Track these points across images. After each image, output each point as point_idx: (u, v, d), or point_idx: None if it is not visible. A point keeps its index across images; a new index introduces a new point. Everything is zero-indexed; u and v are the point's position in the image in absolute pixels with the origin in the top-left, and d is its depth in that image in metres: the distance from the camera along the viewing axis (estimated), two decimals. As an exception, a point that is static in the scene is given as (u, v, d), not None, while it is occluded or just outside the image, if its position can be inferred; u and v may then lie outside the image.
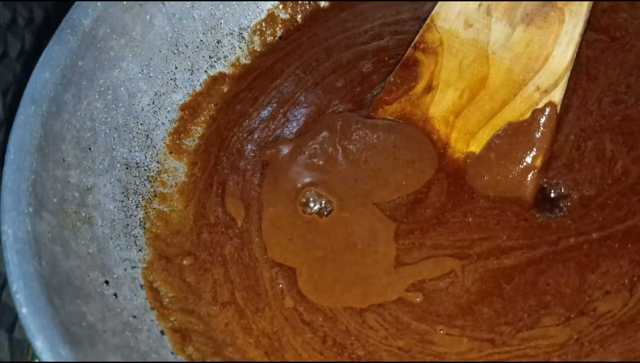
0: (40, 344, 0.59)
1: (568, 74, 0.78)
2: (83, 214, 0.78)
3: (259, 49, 1.03)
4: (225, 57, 1.01)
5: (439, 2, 0.85)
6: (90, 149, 0.84)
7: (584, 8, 0.76)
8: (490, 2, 0.81)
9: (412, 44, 0.86)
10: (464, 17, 0.83)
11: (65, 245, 0.73)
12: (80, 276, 0.72)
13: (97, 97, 0.86)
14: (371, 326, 0.73)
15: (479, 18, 0.82)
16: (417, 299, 0.74)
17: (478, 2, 0.82)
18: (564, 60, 0.77)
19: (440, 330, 0.72)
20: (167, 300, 0.78)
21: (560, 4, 0.77)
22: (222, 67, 1.00)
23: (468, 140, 0.82)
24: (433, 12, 0.85)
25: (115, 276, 0.76)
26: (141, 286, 0.78)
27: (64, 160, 0.79)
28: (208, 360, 0.73)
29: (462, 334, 0.71)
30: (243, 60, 1.01)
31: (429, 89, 0.85)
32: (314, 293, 0.76)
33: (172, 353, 0.72)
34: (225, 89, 0.99)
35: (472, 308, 0.72)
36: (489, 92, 0.81)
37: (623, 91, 0.81)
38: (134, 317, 0.74)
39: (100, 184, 0.83)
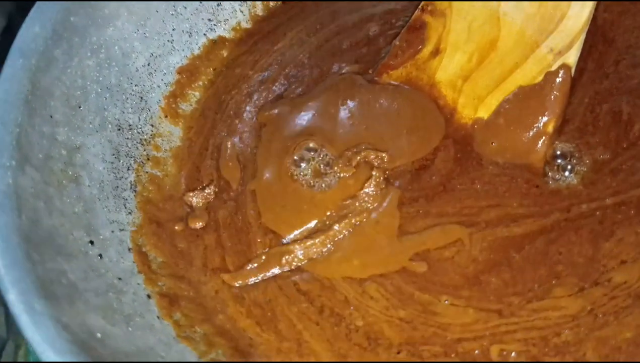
0: (13, 297, 0.54)
1: (583, 35, 0.72)
2: (70, 173, 0.73)
3: (261, 13, 0.97)
4: (225, 20, 0.95)
5: (448, -37, 0.79)
6: (80, 107, 0.78)
7: (601, -34, 0.70)
8: (502, -39, 0.75)
9: (420, 6, 0.80)
10: (475, -23, 0.77)
11: (48, 202, 0.68)
12: (64, 234, 0.66)
13: (89, 54, 0.81)
14: (372, 296, 0.68)
15: (491, -22, 0.76)
16: (421, 269, 0.69)
17: (488, -38, 0.76)
18: (580, 20, 0.71)
19: (444, 301, 0.66)
20: (156, 264, 0.73)
21: (576, -39, 0.71)
22: (222, 31, 0.94)
23: (476, 106, 0.76)
24: (441, -27, 0.79)
25: (101, 237, 0.71)
26: (129, 249, 0.73)
27: (51, 117, 0.74)
28: (196, 327, 0.67)
29: (467, 305, 0.65)
30: (244, 25, 0.96)
31: (436, 52, 0.79)
32: (310, 264, 0.71)
33: (158, 317, 0.67)
34: (225, 53, 0.94)
35: (479, 278, 0.67)
36: (499, 55, 0.76)
37: (642, 54, 0.75)
38: (119, 279, 0.68)
39: (89, 144, 0.77)
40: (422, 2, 0.80)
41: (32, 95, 0.72)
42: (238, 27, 0.95)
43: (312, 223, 0.73)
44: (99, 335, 0.58)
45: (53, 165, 0.72)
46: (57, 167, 0.72)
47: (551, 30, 0.73)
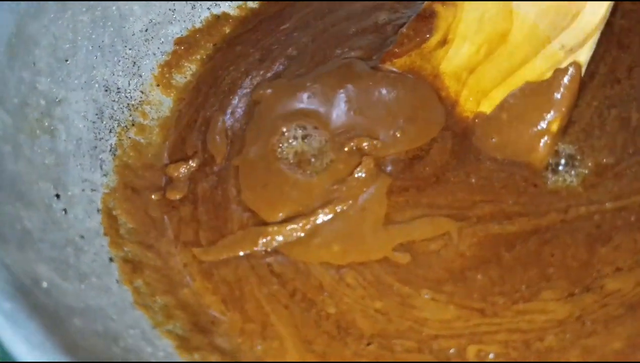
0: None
1: (598, 34, 0.68)
2: (46, 124, 0.70)
3: (268, -9, 0.94)
4: (231, -3, 0.92)
5: (464, -48, 0.75)
6: (67, 60, 0.75)
7: (623, -37, 0.67)
8: (521, -48, 0.72)
9: (432, -5, 0.76)
10: (491, -32, 0.73)
11: (17, 148, 0.64)
12: (28, 182, 0.63)
13: (84, 10, 0.78)
14: (348, 283, 0.64)
15: (507, -32, 0.72)
16: (404, 260, 0.64)
17: (508, -48, 0.72)
18: (595, 17, 0.68)
19: (425, 295, 0.62)
20: (125, 230, 0.69)
21: (597, -44, 0.67)
22: (227, 7, 0.91)
23: (479, 99, 0.72)
24: (456, -38, 0.75)
25: (69, 193, 0.67)
26: (98, 210, 0.69)
27: (34, 64, 0.71)
28: (157, 297, 0.63)
29: (449, 301, 0.61)
30: (250, 4, 0.93)
31: (444, 42, 0.76)
32: (286, 246, 0.66)
33: (117, 281, 0.63)
34: (227, 30, 0.91)
35: (465, 274, 0.62)
36: (509, 49, 0.72)
37: (656, 63, 0.71)
38: (82, 237, 0.64)
39: (72, 99, 0.74)
40: (434, -9, 0.77)
41: (15, 38, 0.69)
42: (244, 5, 0.92)
43: (294, 206, 0.69)
44: (45, 284, 0.54)
45: (29, 112, 0.68)
46: (33, 115, 0.69)
47: (565, 27, 0.69)
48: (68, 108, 0.73)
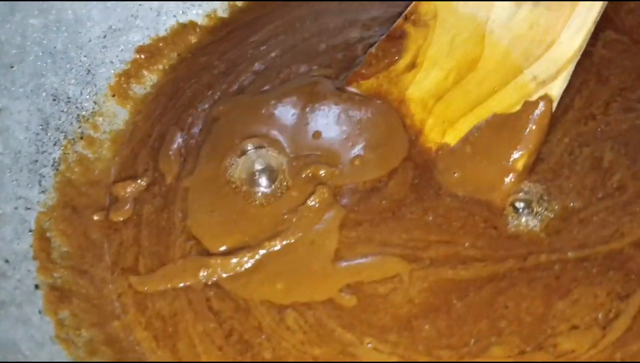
0: None
1: (572, 66, 0.64)
2: (-19, 135, 0.65)
3: (240, 4, 0.90)
4: (200, 4, 0.87)
5: (441, -30, 0.71)
6: (12, 67, 0.71)
7: (602, -8, 0.62)
8: (498, -26, 0.67)
9: (403, 15, 0.72)
10: (466, -11, 0.69)
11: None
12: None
13: (36, 13, 0.74)
14: (289, 326, 0.59)
15: (483, -8, 0.68)
16: (350, 303, 0.60)
17: (484, -26, 0.68)
18: (570, 49, 0.63)
19: (367, 343, 0.57)
20: (58, 254, 0.65)
21: (577, -17, 0.63)
22: (194, 16, 0.87)
23: (445, 129, 0.68)
24: (433, -19, 0.71)
25: (0, 211, 0.63)
26: (30, 231, 0.65)
27: (-27, 71, 0.66)
28: (82, 330, 0.59)
29: (392, 351, 0.57)
30: (220, 13, 0.88)
31: (412, 66, 0.71)
32: (228, 280, 0.62)
33: (40, 312, 0.59)
34: (194, 40, 0.87)
35: (412, 323, 0.58)
36: (478, 76, 0.67)
37: (636, 99, 0.67)
38: (6, 261, 0.60)
39: (14, 108, 0.70)
40: (407, 10, 0.72)
41: (-48, 38, 0.64)
42: (213, 15, 0.88)
43: (240, 236, 0.64)
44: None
45: (-39, 122, 0.64)
46: (-34, 125, 0.64)
47: (538, 56, 0.65)
48: (8, 118, 0.69)
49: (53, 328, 0.59)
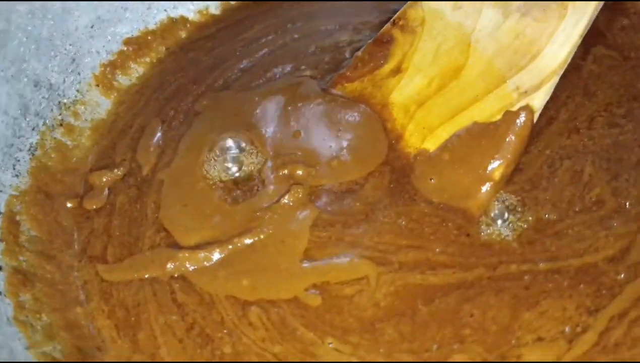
0: None
1: (556, 79, 0.63)
2: (-44, 116, 0.65)
3: (233, 2, 0.90)
4: (192, 1, 0.88)
5: (432, -23, 0.71)
6: (-6, 50, 0.71)
7: (590, 6, 0.62)
8: (487, -17, 0.67)
9: (392, 20, 0.72)
10: (454, -2, 0.69)
11: None
12: None
13: (22, -2, 0.74)
14: (251, 322, 0.59)
15: (471, 1, 0.68)
16: (315, 303, 0.59)
17: (473, -18, 0.68)
18: (554, 61, 0.63)
19: (329, 343, 0.57)
20: (26, 237, 0.65)
21: (565, -5, 0.63)
22: (186, 11, 0.87)
23: (425, 135, 0.68)
24: (423, -13, 0.71)
25: (-32, 191, 0.63)
26: (-1, 213, 0.64)
27: (-47, 51, 0.67)
28: (43, 315, 0.59)
29: (352, 353, 0.56)
30: (212, 10, 0.89)
31: (397, 71, 0.71)
32: (194, 274, 0.62)
33: (0, 293, 0.58)
34: (183, 35, 0.87)
35: (375, 326, 0.57)
36: (461, 85, 0.67)
37: (622, 114, 0.66)
38: (-31, 241, 0.60)
39: (-7, 91, 0.70)
40: (395, 16, 0.73)
41: None
42: (205, 11, 0.88)
43: (211, 232, 0.64)
44: None
45: (-63, 103, 0.64)
46: (-58, 106, 0.64)
47: (522, 67, 0.65)
48: (-13, 101, 0.69)
49: (12, 310, 0.58)
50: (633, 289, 0.56)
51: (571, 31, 0.63)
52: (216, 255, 0.62)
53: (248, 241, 0.63)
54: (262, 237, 0.63)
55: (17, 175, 0.68)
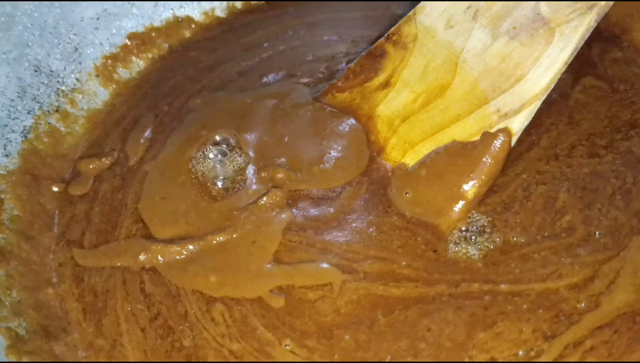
0: None
1: (537, 104, 0.63)
2: (-48, 93, 0.67)
3: (239, 7, 0.91)
4: (199, 2, 0.89)
5: (429, -5, 0.72)
6: (-3, 33, 0.73)
7: (577, 34, 0.62)
8: (479, 5, 0.68)
9: (386, 35, 0.73)
10: (448, 17, 0.69)
11: None
12: None
13: (30, -14, 0.76)
14: (213, 318, 0.59)
15: (463, 20, 0.69)
16: (277, 304, 0.60)
17: (467, 3, 0.68)
18: (537, 86, 0.63)
19: (285, 345, 0.57)
20: (7, 216, 0.66)
21: (553, 23, 0.63)
22: (192, 11, 0.89)
23: (405, 150, 0.68)
24: (419, 4, 0.72)
25: (-46, 167, 0.64)
26: (-17, 190, 0.66)
27: (-44, 31, 0.68)
28: (13, 291, 0.60)
29: (307, 357, 0.56)
30: (218, 12, 0.90)
31: (386, 85, 0.72)
32: (165, 266, 0.62)
33: (-28, 267, 0.59)
34: (187, 35, 0.88)
35: (332, 332, 0.57)
36: (445, 103, 0.67)
37: (603, 145, 0.66)
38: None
39: (-8, 73, 0.71)
40: (390, 31, 0.73)
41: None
42: (211, 13, 0.90)
43: (185, 227, 0.65)
44: None
45: None
46: (-61, 82, 0.66)
47: (504, 90, 0.65)
48: (-15, 81, 0.71)
49: (-17, 284, 0.59)
50: (592, 318, 0.55)
51: (556, 57, 0.63)
52: (188, 250, 0.63)
53: (221, 239, 0.64)
54: (234, 236, 0.64)
55: (6, 155, 0.70)
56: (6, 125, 0.71)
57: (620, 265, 0.57)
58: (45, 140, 0.73)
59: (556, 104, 0.71)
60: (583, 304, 0.56)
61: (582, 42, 0.63)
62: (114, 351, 0.58)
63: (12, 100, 0.72)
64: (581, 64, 0.74)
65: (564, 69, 0.63)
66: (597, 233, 0.60)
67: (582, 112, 0.70)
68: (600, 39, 0.76)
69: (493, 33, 0.67)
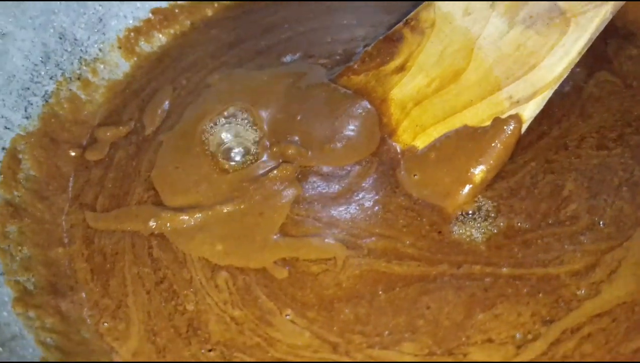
0: None
1: (549, 92, 0.63)
2: (-21, 53, 0.68)
3: (262, -11, 0.91)
4: (224, -18, 0.89)
5: (449, -17, 0.71)
6: (26, -1, 0.73)
7: (592, 25, 0.61)
8: (499, -7, 0.67)
9: (404, 20, 0.72)
10: (466, 4, 0.69)
11: None
12: None
13: (59, -45, 0.76)
14: (217, 285, 0.60)
15: (481, 8, 0.68)
16: (281, 275, 0.60)
17: (486, -8, 0.68)
18: (550, 74, 0.62)
19: (286, 315, 0.57)
20: (24, 175, 0.67)
21: (569, 13, 0.62)
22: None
23: (416, 133, 0.68)
24: (438, -9, 0.71)
25: (-24, 124, 0.65)
26: (3, 148, 0.67)
27: (-14, -7, 0.69)
28: (24, 247, 0.60)
29: (306, 327, 0.56)
30: (240, -6, 0.90)
31: (401, 69, 0.71)
32: (173, 233, 0.63)
33: (-14, 221, 0.60)
34: (210, 13, 0.88)
35: (333, 305, 0.57)
36: (459, 88, 0.67)
37: (613, 138, 0.65)
38: (-34, 169, 0.62)
39: (18, 36, 0.72)
40: (408, 16, 0.73)
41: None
42: (234, -6, 0.90)
43: (196, 197, 0.65)
44: None
45: (-38, 37, 0.67)
46: (-34, 41, 0.67)
47: (518, 77, 0.64)
48: (11, 43, 0.72)
49: (-4, 237, 0.60)
50: (592, 306, 0.55)
51: (570, 47, 0.62)
52: (196, 219, 0.63)
53: (229, 209, 0.64)
54: (242, 206, 0.64)
55: (27, 117, 0.70)
56: (28, 88, 0.72)
57: (622, 255, 0.56)
58: (65, 105, 0.74)
59: (569, 96, 0.70)
60: (583, 291, 0.55)
61: (597, 34, 0.62)
62: (119, 311, 0.59)
63: (36, 64, 0.73)
64: (596, 59, 0.73)
65: (577, 59, 0.63)
66: (601, 222, 0.59)
67: (595, 105, 0.69)
68: (617, 36, 0.75)
69: (510, 21, 0.66)
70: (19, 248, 0.61)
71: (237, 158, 0.69)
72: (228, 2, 0.89)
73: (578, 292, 0.55)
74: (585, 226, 0.59)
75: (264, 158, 0.69)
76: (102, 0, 0.81)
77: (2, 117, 0.68)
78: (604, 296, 0.54)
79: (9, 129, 0.68)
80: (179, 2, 0.87)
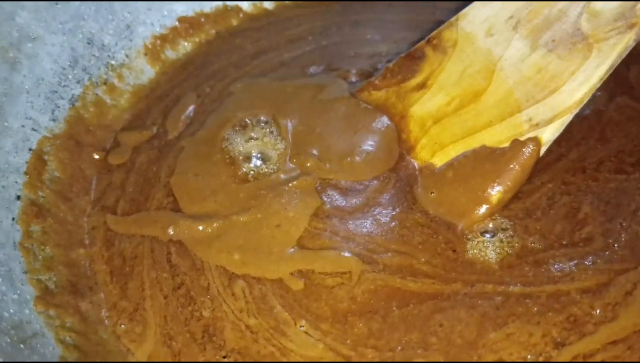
0: None
1: (568, 117, 0.62)
2: (10, 55, 0.69)
3: (287, 0, 0.91)
4: (250, -7, 0.90)
5: (472, 3, 0.71)
6: (57, 4, 0.74)
7: (615, 52, 0.61)
8: (521, 16, 0.67)
9: (427, 38, 0.72)
10: (489, 25, 0.69)
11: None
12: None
13: (90, -37, 0.77)
14: (234, 293, 0.60)
15: (504, 30, 0.68)
16: (297, 287, 0.60)
17: (509, 14, 0.68)
18: (570, 99, 0.62)
19: (300, 326, 0.57)
20: (49, 176, 0.67)
21: (591, 39, 0.62)
22: (241, 1, 0.89)
23: (435, 151, 0.68)
24: (462, 11, 0.71)
25: (6, 124, 0.66)
26: (30, 149, 0.67)
27: (20, -3, 0.70)
28: (47, 247, 0.61)
29: (320, 339, 0.56)
30: (266, 5, 0.91)
31: (422, 86, 0.71)
32: (191, 240, 0.63)
33: (13, 219, 0.61)
34: (235, 23, 0.89)
35: (347, 318, 0.57)
36: (478, 108, 0.67)
37: (631, 163, 0.65)
38: (-1, 169, 0.63)
39: (48, 41, 0.73)
40: (431, 35, 0.73)
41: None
42: (259, 4, 0.91)
43: (214, 206, 0.65)
44: None
45: (-3, 39, 0.67)
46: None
47: (538, 100, 0.64)
48: (41, 47, 0.72)
49: (20, 236, 0.61)
50: (607, 331, 0.54)
51: (592, 73, 0.62)
52: (213, 228, 0.63)
53: (245, 218, 0.64)
54: (259, 216, 0.64)
55: (54, 120, 0.71)
56: (56, 92, 0.72)
57: (637, 278, 0.56)
58: (91, 109, 0.75)
59: (589, 119, 0.70)
60: (598, 311, 0.55)
61: (619, 60, 0.62)
62: (136, 314, 0.59)
63: (64, 68, 0.74)
64: (617, 84, 0.72)
65: (598, 85, 0.62)
66: (616, 245, 0.59)
67: (614, 129, 0.69)
68: (639, 62, 0.75)
69: (532, 44, 0.66)
70: (42, 247, 0.61)
71: (256, 167, 0.69)
72: (252, 13, 0.90)
73: (592, 312, 0.55)
74: (599, 248, 0.58)
75: (283, 169, 0.69)
76: (131, 5, 0.81)
77: (30, 118, 0.68)
78: (621, 322, 0.54)
79: (36, 130, 0.68)
80: (204, 11, 0.87)
